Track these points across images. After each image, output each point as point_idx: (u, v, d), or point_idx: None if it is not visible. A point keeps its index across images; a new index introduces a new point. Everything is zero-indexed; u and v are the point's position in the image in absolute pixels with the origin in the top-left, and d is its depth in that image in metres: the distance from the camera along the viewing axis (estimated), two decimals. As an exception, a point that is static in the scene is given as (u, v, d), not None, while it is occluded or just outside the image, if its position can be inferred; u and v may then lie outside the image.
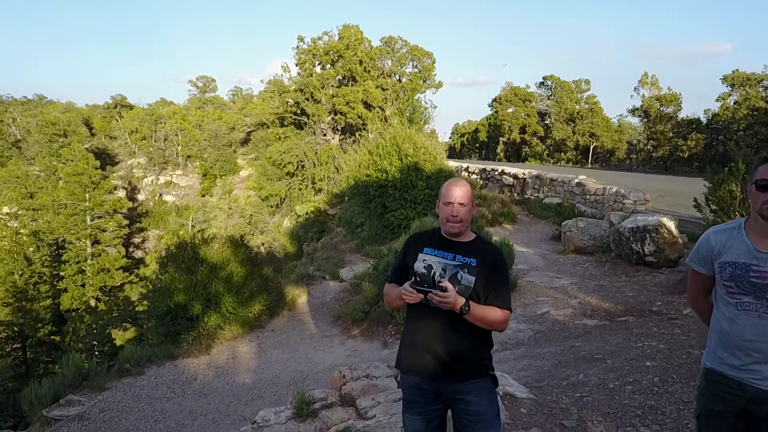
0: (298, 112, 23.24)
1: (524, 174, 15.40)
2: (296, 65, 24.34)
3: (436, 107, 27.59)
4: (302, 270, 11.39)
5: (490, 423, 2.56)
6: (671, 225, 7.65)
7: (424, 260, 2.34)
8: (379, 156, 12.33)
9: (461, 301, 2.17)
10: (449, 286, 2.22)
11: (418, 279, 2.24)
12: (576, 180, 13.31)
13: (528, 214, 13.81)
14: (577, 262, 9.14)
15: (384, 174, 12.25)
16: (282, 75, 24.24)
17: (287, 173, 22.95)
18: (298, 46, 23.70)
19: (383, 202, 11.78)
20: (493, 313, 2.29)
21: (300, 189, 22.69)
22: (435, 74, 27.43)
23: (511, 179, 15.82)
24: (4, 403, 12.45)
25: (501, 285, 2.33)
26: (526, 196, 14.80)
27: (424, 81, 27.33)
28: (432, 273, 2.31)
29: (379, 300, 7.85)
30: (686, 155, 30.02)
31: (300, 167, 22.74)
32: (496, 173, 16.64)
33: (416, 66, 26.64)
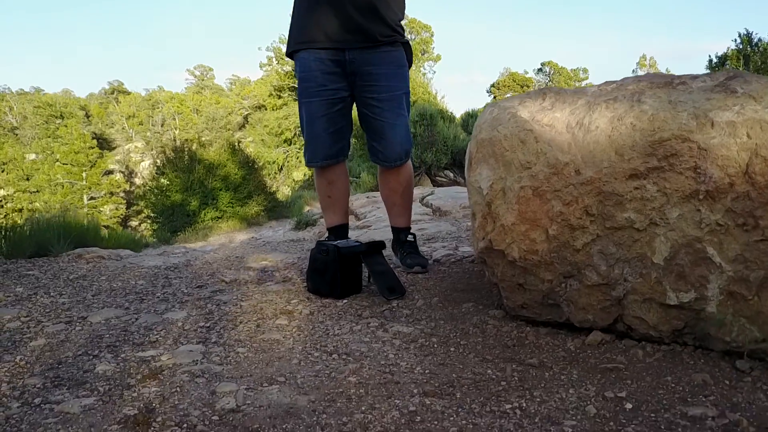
0: (294, 74, 23.63)
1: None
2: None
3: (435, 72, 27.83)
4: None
5: (399, 102, 2.50)
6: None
7: None
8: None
9: None
10: None
11: None
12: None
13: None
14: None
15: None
16: (281, 45, 24.62)
17: (285, 140, 23.29)
18: (295, 15, 24.12)
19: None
20: None
21: (298, 157, 23.00)
22: (433, 47, 27.75)
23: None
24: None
25: None
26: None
27: (423, 54, 27.67)
28: None
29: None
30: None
31: (297, 134, 23.08)
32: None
33: (414, 39, 26.99)
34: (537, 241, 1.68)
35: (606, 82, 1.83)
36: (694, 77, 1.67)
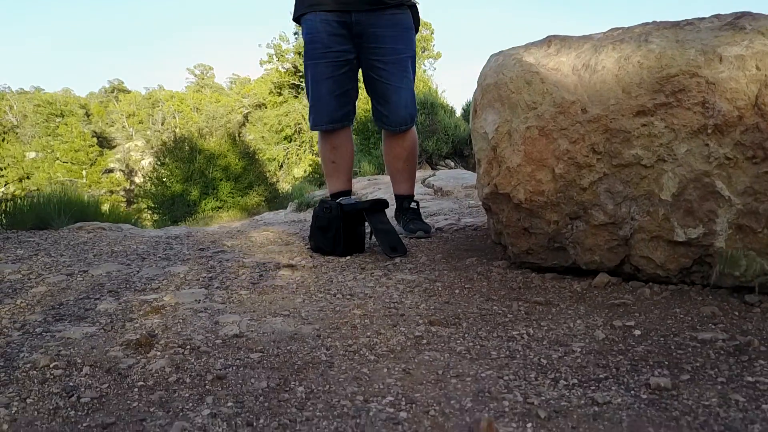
0: (294, 72, 23.59)
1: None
2: (294, 34, 24.72)
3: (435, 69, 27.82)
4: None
5: (404, 65, 2.47)
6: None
7: None
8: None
9: None
10: None
11: None
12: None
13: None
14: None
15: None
16: (282, 43, 24.66)
17: (285, 137, 23.28)
18: (296, 12, 24.11)
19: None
20: None
21: (298, 154, 23.00)
22: (434, 45, 27.75)
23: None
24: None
25: None
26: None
27: (423, 51, 27.68)
28: None
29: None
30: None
31: (298, 131, 23.08)
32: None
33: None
34: (543, 181, 1.66)
35: (612, 28, 1.81)
36: (701, 19, 1.66)
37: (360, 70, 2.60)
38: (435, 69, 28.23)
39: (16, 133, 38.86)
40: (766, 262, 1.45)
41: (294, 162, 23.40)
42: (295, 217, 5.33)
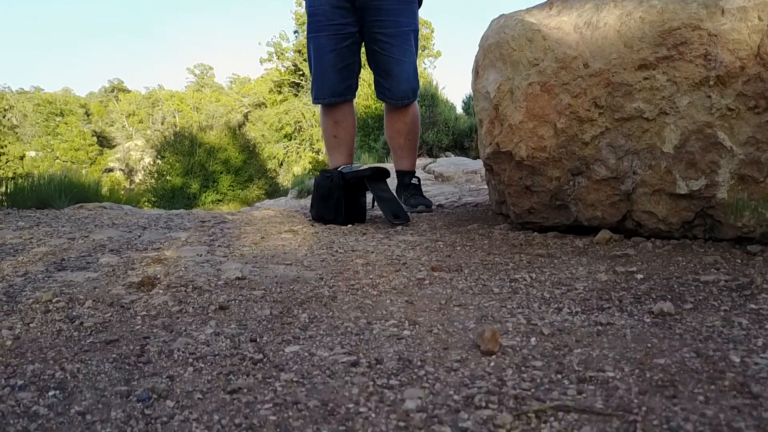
0: (295, 70, 23.60)
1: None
2: (294, 32, 24.74)
3: (435, 68, 27.85)
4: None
5: (407, 38, 2.47)
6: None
7: None
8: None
9: None
10: None
11: None
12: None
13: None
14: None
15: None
16: (282, 41, 24.69)
17: (285, 135, 23.26)
18: (296, 11, 24.15)
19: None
20: None
21: (298, 152, 23.00)
22: (434, 44, 27.78)
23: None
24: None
25: None
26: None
27: (423, 50, 27.71)
28: None
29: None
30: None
31: (298, 129, 23.07)
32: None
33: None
34: (545, 137, 1.66)
35: (613, -10, 1.81)
36: (703, -23, 1.66)
37: (363, 45, 2.60)
38: (435, 67, 28.25)
39: (16, 133, 38.87)
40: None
41: (294, 160, 23.42)
42: (296, 203, 5.34)
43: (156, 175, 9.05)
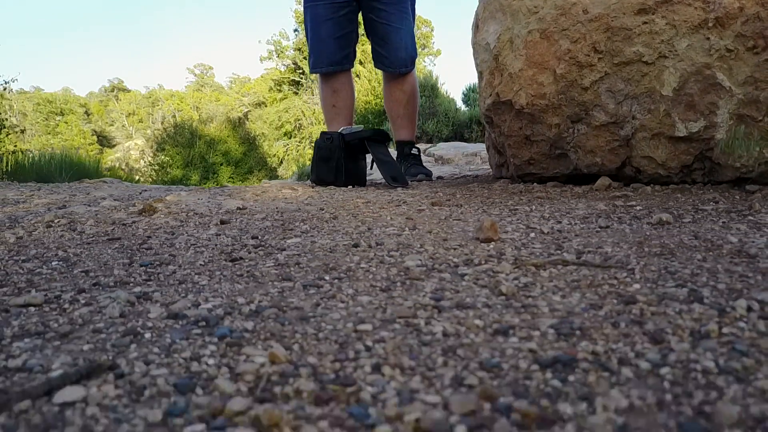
0: (294, 68, 23.62)
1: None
2: (294, 31, 24.75)
3: (435, 65, 27.81)
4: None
5: (404, 6, 2.49)
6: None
7: None
8: (378, 83, 12.95)
9: None
10: None
11: None
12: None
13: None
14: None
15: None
16: (282, 39, 24.68)
17: (285, 133, 23.27)
18: (296, 9, 24.17)
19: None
20: None
21: (298, 150, 22.99)
22: (433, 42, 27.75)
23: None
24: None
25: None
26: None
27: (423, 48, 27.68)
28: None
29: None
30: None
31: (298, 127, 23.07)
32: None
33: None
34: (544, 84, 1.67)
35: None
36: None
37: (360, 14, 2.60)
38: (435, 65, 28.22)
39: (16, 132, 38.91)
40: (767, 150, 1.46)
41: (294, 158, 23.42)
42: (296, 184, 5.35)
43: (156, 167, 9.06)
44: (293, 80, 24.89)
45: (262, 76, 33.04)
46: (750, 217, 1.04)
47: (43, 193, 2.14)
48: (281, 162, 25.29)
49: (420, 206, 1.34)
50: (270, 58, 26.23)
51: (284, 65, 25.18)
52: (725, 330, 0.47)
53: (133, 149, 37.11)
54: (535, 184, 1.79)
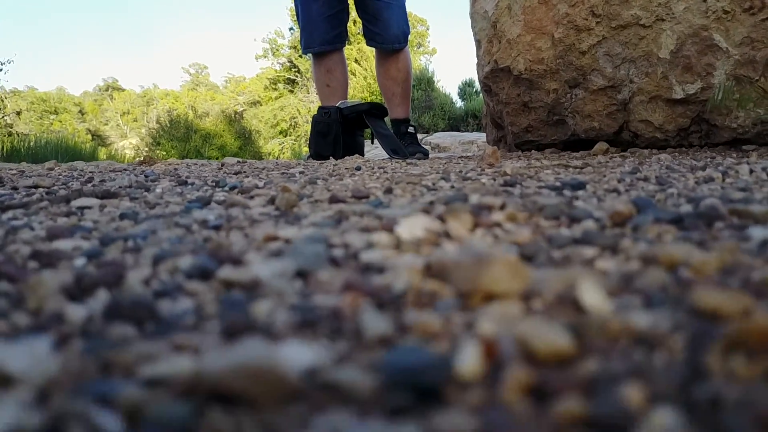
0: (290, 67, 23.59)
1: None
2: (290, 29, 24.73)
3: (431, 63, 27.85)
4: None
5: None
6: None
7: None
8: (374, 79, 13.02)
9: None
10: None
11: None
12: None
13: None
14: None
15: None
16: (277, 38, 24.66)
17: (280, 131, 23.25)
18: (291, 8, 24.12)
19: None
20: None
21: (293, 148, 22.97)
22: (429, 41, 27.77)
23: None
24: None
25: None
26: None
27: (418, 47, 27.68)
28: None
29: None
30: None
31: (293, 125, 23.05)
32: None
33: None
34: (542, 49, 1.68)
35: None
36: None
37: None
38: (431, 62, 28.26)
39: (10, 132, 38.79)
40: (762, 111, 1.47)
41: (290, 157, 23.43)
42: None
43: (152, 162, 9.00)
44: (289, 78, 24.88)
45: (257, 75, 33.01)
46: (745, 160, 1.05)
47: (38, 170, 2.14)
48: (277, 158, 25.31)
49: (415, 168, 1.35)
50: (265, 57, 26.21)
51: (280, 64, 25.16)
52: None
53: (128, 148, 37.13)
54: (533, 151, 1.80)
